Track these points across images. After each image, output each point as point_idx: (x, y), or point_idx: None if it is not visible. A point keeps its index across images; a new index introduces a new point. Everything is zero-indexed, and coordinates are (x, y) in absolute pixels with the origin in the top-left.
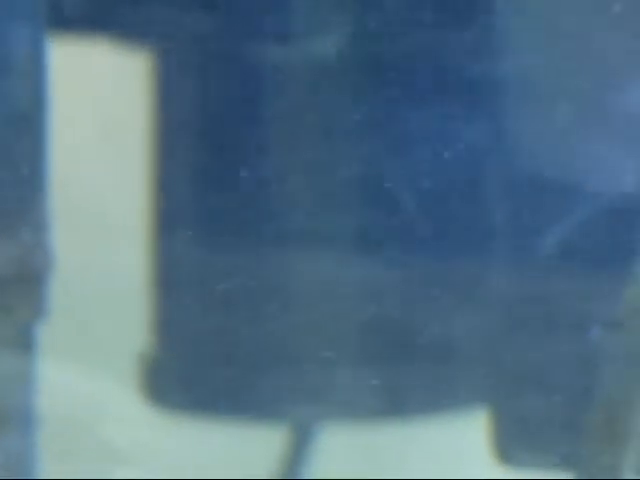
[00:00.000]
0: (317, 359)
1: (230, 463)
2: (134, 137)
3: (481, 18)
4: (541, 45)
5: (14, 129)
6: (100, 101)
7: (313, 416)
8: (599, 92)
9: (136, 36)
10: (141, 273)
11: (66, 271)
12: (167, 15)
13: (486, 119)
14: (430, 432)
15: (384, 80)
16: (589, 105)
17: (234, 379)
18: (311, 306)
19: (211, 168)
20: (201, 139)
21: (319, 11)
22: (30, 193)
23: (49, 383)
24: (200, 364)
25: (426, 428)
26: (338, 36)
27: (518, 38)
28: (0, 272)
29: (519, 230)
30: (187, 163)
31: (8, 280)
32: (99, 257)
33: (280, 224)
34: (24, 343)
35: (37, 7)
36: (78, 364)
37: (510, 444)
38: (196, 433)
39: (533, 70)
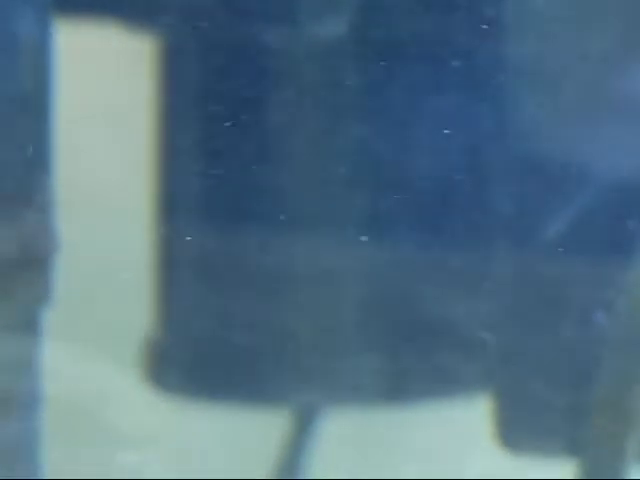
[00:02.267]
0: (319, 344)
1: (232, 447)
2: (139, 120)
3: (490, 1)
4: (544, 30)
5: (18, 111)
6: (104, 84)
7: (315, 401)
8: (603, 77)
9: (142, 19)
10: (145, 257)
11: (70, 255)
12: None
13: (490, 104)
14: (433, 417)
15: (389, 64)
16: (593, 90)
17: (237, 363)
18: (314, 291)
19: (215, 152)
20: (206, 123)
21: None
22: (34, 176)
23: (53, 367)
24: (203, 349)
25: (429, 413)
26: (343, 19)
27: (521, 22)
28: (4, 256)
29: (522, 215)
30: (192, 147)
31: (12, 264)
32: (103, 241)
33: (284, 209)
34: (28, 327)
35: None
36: (82, 348)
37: (513, 429)
38: (199, 418)
39: (536, 55)
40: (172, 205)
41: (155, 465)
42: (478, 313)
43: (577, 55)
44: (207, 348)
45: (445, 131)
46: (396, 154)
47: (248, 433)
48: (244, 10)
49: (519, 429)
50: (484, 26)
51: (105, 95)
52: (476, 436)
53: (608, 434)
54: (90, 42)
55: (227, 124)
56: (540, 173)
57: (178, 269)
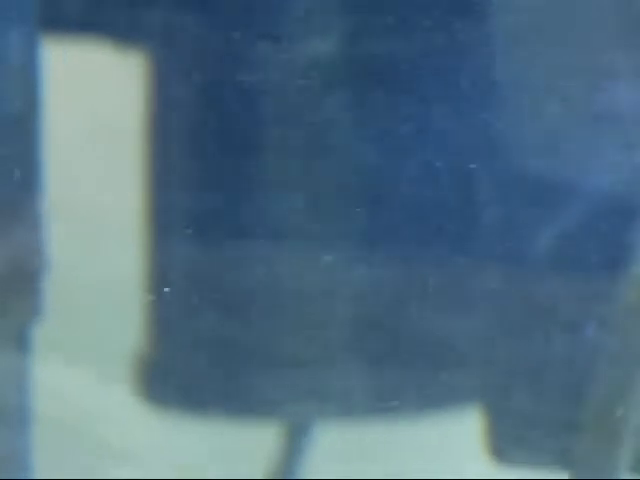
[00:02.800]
0: (311, 358)
1: (225, 461)
2: (128, 136)
3: (474, 18)
4: (533, 44)
5: (7, 130)
6: (93, 101)
7: (307, 414)
8: (589, 92)
9: (130, 36)
10: (136, 273)
11: (60, 271)
12: (161, 15)
13: (479, 119)
14: (424, 430)
15: (378, 79)
16: (581, 105)
17: (229, 378)
18: (305, 305)
19: (205, 166)
20: (194, 137)
21: (314, 12)
22: (24, 193)
23: (44, 382)
24: (195, 363)
25: (420, 426)
26: (333, 37)
27: (511, 38)
28: None
29: (513, 229)
30: (181, 162)
31: (2, 280)
32: (93, 257)
33: (275, 223)
34: (19, 343)
35: (30, 8)
36: (73, 363)
37: (504, 442)
38: (191, 432)
39: (524, 69)
40: (163, 221)
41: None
42: (469, 327)
43: (563, 70)
44: (199, 363)
45: (437, 149)
46: (384, 170)
47: (239, 448)
48: (233, 28)
49: (510, 442)
50: (469, 43)
51: (94, 112)
52: (468, 449)
53: (599, 447)
54: (78, 60)
55: (216, 140)
56: (529, 188)
57: (170, 284)
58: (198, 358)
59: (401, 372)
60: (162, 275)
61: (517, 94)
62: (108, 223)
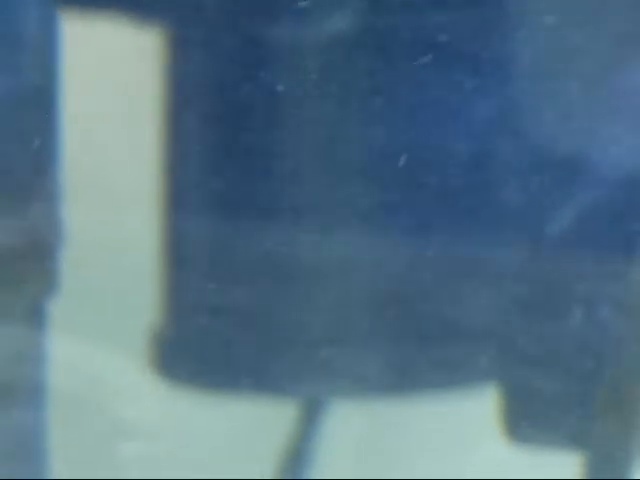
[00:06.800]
0: (327, 335)
1: (238, 438)
2: (146, 111)
3: None
4: (549, 23)
5: (26, 103)
6: (112, 76)
7: (322, 392)
8: (607, 72)
9: (148, 9)
10: (152, 248)
11: (77, 245)
12: None
13: (497, 97)
14: (439, 409)
15: (395, 57)
16: (598, 87)
17: (244, 354)
18: (321, 282)
19: (222, 143)
20: (212, 114)
21: None
22: (42, 167)
23: (59, 357)
24: (210, 339)
25: (435, 405)
26: (350, 13)
27: (526, 16)
28: (11, 246)
29: (528, 209)
30: (198, 138)
31: (19, 254)
32: (110, 231)
33: (291, 200)
34: (35, 317)
35: None
36: (88, 339)
37: (519, 421)
38: (205, 408)
39: (541, 49)
40: (180, 196)
41: (160, 456)
42: (485, 306)
43: (581, 52)
44: (214, 339)
45: (452, 127)
46: (402, 148)
47: (254, 425)
48: (250, 4)
49: (525, 421)
50: (487, 21)
51: (112, 87)
52: (483, 428)
53: (614, 426)
54: (97, 34)
55: (233, 116)
56: (546, 167)
57: (185, 260)
58: (213, 334)
59: (416, 350)
60: (179, 250)
61: (535, 73)
62: (125, 197)
